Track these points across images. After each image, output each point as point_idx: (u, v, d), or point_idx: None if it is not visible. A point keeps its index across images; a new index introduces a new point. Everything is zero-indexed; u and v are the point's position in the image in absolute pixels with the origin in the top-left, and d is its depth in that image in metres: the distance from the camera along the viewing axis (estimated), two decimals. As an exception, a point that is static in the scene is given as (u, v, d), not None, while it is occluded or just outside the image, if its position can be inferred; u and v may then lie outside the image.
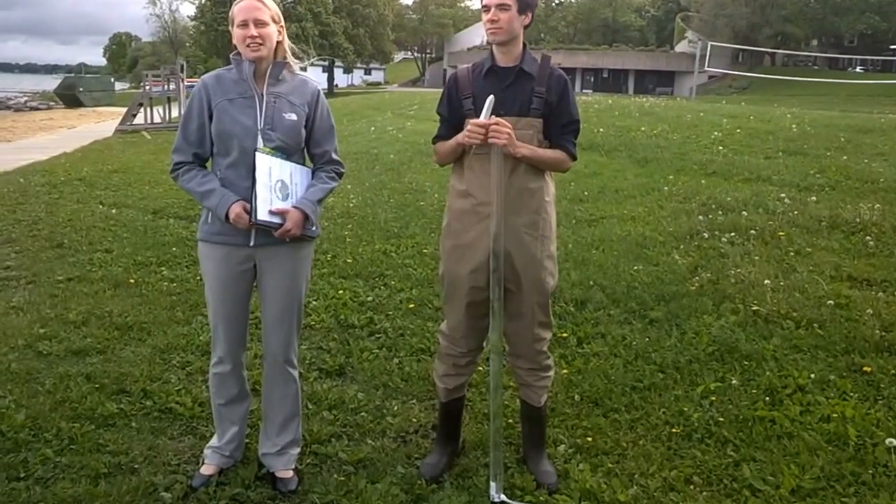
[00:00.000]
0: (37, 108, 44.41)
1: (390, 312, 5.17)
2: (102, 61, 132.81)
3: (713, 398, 3.80)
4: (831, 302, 4.90)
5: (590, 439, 3.45)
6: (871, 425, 3.45)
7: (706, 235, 6.61)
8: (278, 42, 2.90)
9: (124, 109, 27.04)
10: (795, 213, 7.18)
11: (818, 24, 58.51)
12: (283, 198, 2.86)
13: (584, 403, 3.82)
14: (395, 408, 3.80)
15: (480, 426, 3.57)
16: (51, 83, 65.46)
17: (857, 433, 3.37)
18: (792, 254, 6.04)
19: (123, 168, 12.87)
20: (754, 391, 3.85)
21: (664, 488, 3.08)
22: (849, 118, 14.80)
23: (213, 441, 3.20)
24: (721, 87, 50.86)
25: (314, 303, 5.28)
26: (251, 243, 2.90)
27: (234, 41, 2.85)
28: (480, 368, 3.90)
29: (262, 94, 2.87)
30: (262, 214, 2.78)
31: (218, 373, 3.10)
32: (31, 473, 3.13)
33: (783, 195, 7.93)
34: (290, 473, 3.11)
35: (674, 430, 3.52)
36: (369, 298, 5.46)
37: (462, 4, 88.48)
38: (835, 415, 3.55)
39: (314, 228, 2.97)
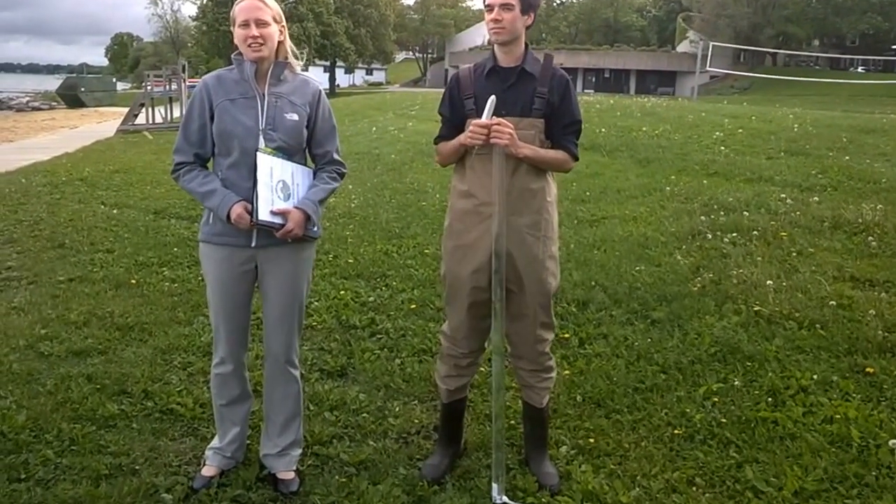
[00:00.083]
0: (39, 109, 44.45)
1: (392, 313, 5.16)
2: (104, 61, 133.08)
3: (715, 399, 3.79)
4: (834, 302, 4.89)
5: (592, 440, 3.44)
6: (875, 426, 3.44)
7: (708, 236, 6.60)
8: (280, 42, 2.89)
9: (126, 109, 27.02)
10: (797, 213, 7.17)
11: (820, 25, 58.45)
12: (284, 198, 2.85)
13: (586, 404, 3.82)
14: (397, 409, 3.79)
15: (482, 427, 3.56)
16: (53, 83, 65.52)
17: (860, 434, 3.36)
18: (794, 254, 6.03)
19: (125, 168, 12.86)
20: (757, 392, 3.84)
21: (666, 490, 3.07)
22: (851, 118, 14.78)
23: (215, 442, 3.20)
24: (723, 88, 50.83)
25: (316, 303, 5.27)
26: (253, 244, 2.89)
27: (236, 41, 2.84)
28: (482, 369, 3.88)
29: (264, 95, 2.86)
30: (264, 215, 2.77)
31: (219, 373, 3.09)
32: (32, 475, 3.12)
33: (785, 195, 7.92)
34: (292, 475, 3.10)
35: (676, 432, 3.51)
36: (371, 299, 5.45)
37: (463, 4, 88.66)
38: (838, 416, 3.54)
39: (315, 229, 2.96)
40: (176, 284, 5.88)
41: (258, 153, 2.80)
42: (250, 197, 2.79)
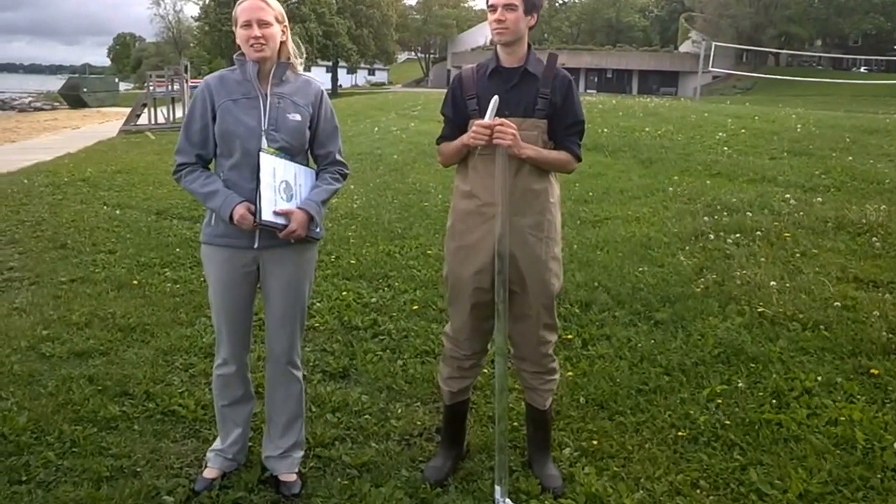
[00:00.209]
0: (41, 109, 44.47)
1: (394, 314, 5.15)
2: (107, 62, 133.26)
3: (719, 401, 3.77)
4: (838, 303, 4.88)
5: (595, 442, 3.42)
6: (879, 428, 3.42)
7: (711, 236, 6.59)
8: (282, 42, 2.88)
9: (128, 110, 27.03)
10: (801, 214, 7.15)
11: (822, 25, 58.39)
12: (287, 199, 2.84)
13: (590, 406, 3.80)
14: (399, 410, 3.78)
15: (485, 429, 3.55)
16: (55, 84, 65.56)
17: (864, 436, 3.35)
18: (798, 255, 6.01)
19: (127, 169, 12.86)
20: (761, 394, 3.83)
21: (670, 492, 3.05)
22: (853, 118, 14.74)
23: (216, 444, 3.19)
24: (725, 88, 50.79)
25: (318, 304, 5.26)
26: (255, 245, 2.88)
27: (238, 41, 2.83)
28: (485, 371, 3.88)
29: (266, 95, 2.85)
30: (267, 215, 2.76)
31: (222, 374, 3.08)
32: (33, 477, 3.12)
33: (788, 196, 7.90)
34: (294, 477, 3.09)
35: (680, 434, 3.49)
36: (373, 300, 5.44)
37: (465, 5, 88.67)
38: (842, 418, 3.52)
39: (318, 230, 2.95)
40: (178, 285, 5.87)
41: (261, 153, 2.78)
42: (253, 198, 2.78)
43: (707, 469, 3.21)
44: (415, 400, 3.91)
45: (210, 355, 3.99)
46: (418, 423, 3.66)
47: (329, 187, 2.99)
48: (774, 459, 3.25)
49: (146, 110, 25.18)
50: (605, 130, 13.03)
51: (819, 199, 7.77)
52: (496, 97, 2.74)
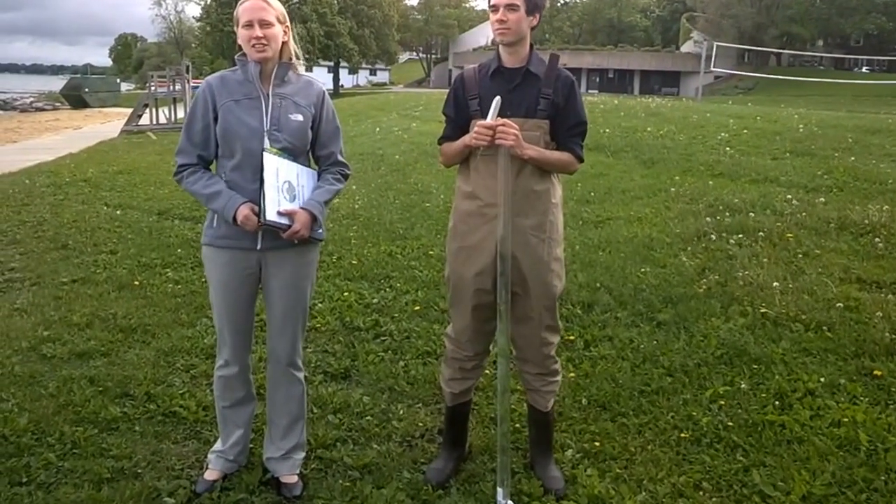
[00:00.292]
0: (42, 109, 44.54)
1: (396, 315, 5.14)
2: (108, 62, 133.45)
3: (722, 402, 3.76)
4: (840, 304, 4.86)
5: (597, 444, 3.41)
6: (883, 430, 3.41)
7: (713, 237, 6.57)
8: (284, 43, 2.87)
9: (130, 110, 27.06)
10: (803, 214, 7.14)
11: (824, 25, 58.34)
12: (290, 199, 2.83)
13: (592, 407, 3.79)
14: (401, 412, 3.77)
15: (487, 431, 3.54)
16: (57, 84, 65.67)
17: (868, 438, 3.33)
18: (800, 256, 6.00)
19: (129, 169, 12.86)
20: (763, 395, 3.81)
21: (673, 494, 3.04)
22: (856, 118, 14.72)
23: (217, 445, 3.18)
24: (727, 88, 50.74)
25: (319, 305, 5.25)
26: (258, 247, 2.87)
27: (240, 42, 2.82)
28: (487, 372, 3.86)
29: (268, 95, 2.84)
30: (271, 215, 2.75)
31: (223, 375, 3.07)
32: (34, 478, 3.11)
33: (791, 196, 7.88)
34: (295, 478, 3.08)
35: (682, 435, 3.48)
36: (375, 300, 5.43)
37: (467, 5, 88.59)
38: (845, 419, 3.51)
39: (320, 231, 2.94)
40: (179, 286, 5.86)
41: (264, 153, 2.77)
42: (255, 198, 2.77)
43: (710, 471, 3.20)
44: (416, 401, 3.90)
45: (211, 356, 3.98)
46: (420, 424, 3.65)
47: (331, 188, 2.98)
48: (777, 461, 3.23)
49: (148, 111, 25.20)
50: (607, 131, 13.02)
51: (822, 199, 7.76)
52: (498, 98, 2.73)
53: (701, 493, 3.05)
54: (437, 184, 9.90)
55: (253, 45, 2.77)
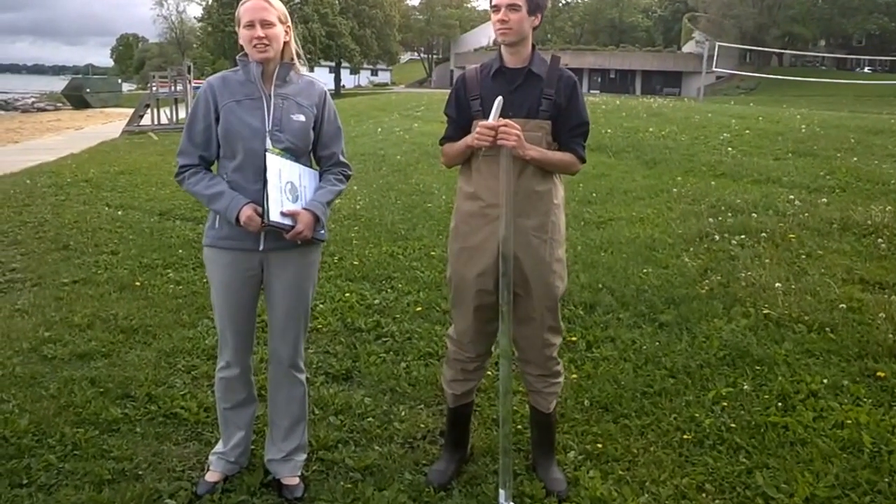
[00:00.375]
0: (44, 109, 44.58)
1: (397, 316, 5.13)
2: (110, 62, 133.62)
3: (725, 404, 3.74)
4: (843, 305, 4.85)
5: (600, 446, 3.40)
6: (886, 432, 3.39)
7: (716, 238, 6.56)
8: (285, 43, 2.86)
9: (131, 111, 27.07)
10: (806, 215, 7.12)
11: (826, 25, 58.35)
12: (292, 200, 2.82)
13: (594, 409, 3.78)
14: (403, 413, 3.76)
15: (489, 432, 3.53)
16: (58, 84, 65.74)
17: (871, 440, 3.32)
18: (803, 256, 5.98)
19: (130, 169, 12.86)
20: (766, 396, 3.80)
21: (676, 496, 3.03)
22: (858, 119, 14.70)
23: (219, 447, 3.17)
24: (729, 88, 50.72)
25: (321, 306, 5.24)
26: (260, 247, 2.86)
27: (241, 42, 2.81)
28: (489, 373, 3.85)
29: (270, 96, 2.83)
30: (275, 216, 2.74)
31: (224, 377, 3.06)
32: (35, 480, 3.10)
33: (793, 197, 7.86)
34: (296, 480, 3.07)
35: (685, 437, 3.47)
36: (376, 301, 5.42)
37: (468, 5, 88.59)
38: (849, 421, 3.49)
39: (323, 231, 2.93)
40: (181, 287, 5.86)
41: (267, 153, 2.76)
42: (257, 199, 2.76)
43: (712, 472, 3.19)
44: (418, 402, 3.89)
45: (213, 357, 3.98)
46: (422, 425, 3.64)
47: (333, 188, 2.97)
48: (780, 463, 3.22)
49: (149, 111, 25.20)
50: (609, 131, 13.00)
51: (824, 199, 7.74)
52: (500, 98, 2.72)
53: (704, 494, 3.04)
54: (439, 184, 9.90)
55: (254, 46, 2.76)
